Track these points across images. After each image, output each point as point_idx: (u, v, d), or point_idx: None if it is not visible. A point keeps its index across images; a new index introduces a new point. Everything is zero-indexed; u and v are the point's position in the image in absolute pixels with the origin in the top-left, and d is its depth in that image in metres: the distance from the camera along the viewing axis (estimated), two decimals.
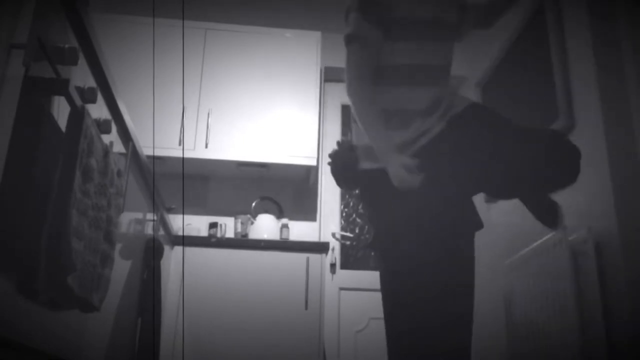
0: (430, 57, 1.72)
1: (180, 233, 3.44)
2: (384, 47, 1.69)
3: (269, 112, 3.67)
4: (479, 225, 1.79)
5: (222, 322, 2.97)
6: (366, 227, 3.89)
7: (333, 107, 4.12)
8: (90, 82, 1.43)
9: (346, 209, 3.94)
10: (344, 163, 1.85)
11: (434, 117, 1.71)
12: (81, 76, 1.36)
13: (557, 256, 2.30)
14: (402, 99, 1.69)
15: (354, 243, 3.84)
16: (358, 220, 3.93)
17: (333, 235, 3.77)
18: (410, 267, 1.67)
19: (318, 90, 3.75)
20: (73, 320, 1.38)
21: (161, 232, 2.59)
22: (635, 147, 2.19)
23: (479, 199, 3.25)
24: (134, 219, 1.97)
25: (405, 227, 1.68)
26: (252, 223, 3.55)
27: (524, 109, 2.89)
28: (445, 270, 1.66)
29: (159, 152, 3.44)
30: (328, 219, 3.85)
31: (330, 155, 1.93)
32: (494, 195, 2.11)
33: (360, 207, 3.92)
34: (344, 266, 3.77)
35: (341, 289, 3.68)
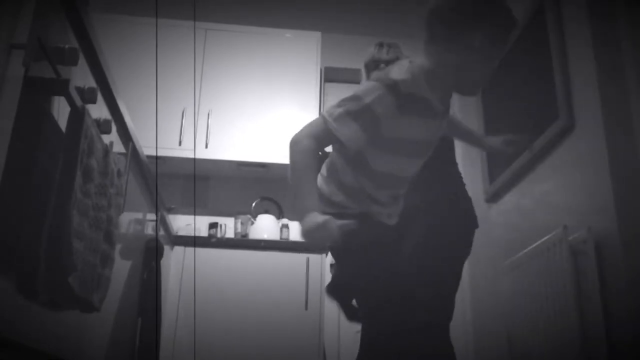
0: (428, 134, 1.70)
1: (180, 233, 3.44)
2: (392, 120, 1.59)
3: (269, 112, 3.67)
4: (475, 225, 1.84)
5: (222, 322, 2.96)
6: None
7: None
8: (90, 82, 1.43)
9: None
10: None
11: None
12: (81, 76, 1.36)
13: (557, 256, 2.30)
14: (394, 166, 1.66)
15: None
16: None
17: None
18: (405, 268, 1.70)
19: (318, 90, 3.75)
20: (73, 320, 1.38)
21: (161, 232, 2.59)
22: (635, 147, 2.19)
23: (478, 199, 3.25)
24: (134, 219, 1.97)
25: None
26: (252, 223, 3.55)
27: (524, 109, 2.89)
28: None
29: (159, 152, 3.44)
30: None
31: None
32: None
33: None
34: None
35: None
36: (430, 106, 1.59)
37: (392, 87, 1.51)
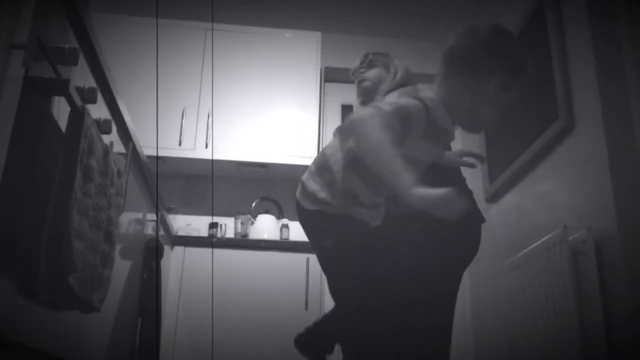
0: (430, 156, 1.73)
1: (180, 233, 3.44)
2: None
3: (269, 112, 3.67)
4: (480, 219, 1.85)
5: (222, 322, 2.96)
6: None
7: (333, 107, 4.12)
8: (90, 82, 1.43)
9: None
10: None
11: None
12: (81, 76, 1.36)
13: (557, 256, 2.30)
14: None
15: None
16: None
17: None
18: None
19: (318, 90, 3.75)
20: (73, 320, 1.38)
21: (161, 232, 2.59)
22: (635, 147, 2.19)
23: (479, 199, 3.25)
24: (134, 219, 1.97)
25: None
26: (252, 223, 3.55)
27: (524, 109, 2.89)
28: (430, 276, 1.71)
29: (159, 152, 3.44)
30: None
31: None
32: None
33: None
34: None
35: None
36: (447, 136, 1.64)
37: (425, 108, 1.54)
